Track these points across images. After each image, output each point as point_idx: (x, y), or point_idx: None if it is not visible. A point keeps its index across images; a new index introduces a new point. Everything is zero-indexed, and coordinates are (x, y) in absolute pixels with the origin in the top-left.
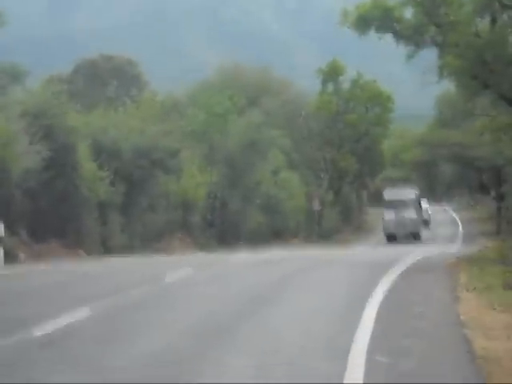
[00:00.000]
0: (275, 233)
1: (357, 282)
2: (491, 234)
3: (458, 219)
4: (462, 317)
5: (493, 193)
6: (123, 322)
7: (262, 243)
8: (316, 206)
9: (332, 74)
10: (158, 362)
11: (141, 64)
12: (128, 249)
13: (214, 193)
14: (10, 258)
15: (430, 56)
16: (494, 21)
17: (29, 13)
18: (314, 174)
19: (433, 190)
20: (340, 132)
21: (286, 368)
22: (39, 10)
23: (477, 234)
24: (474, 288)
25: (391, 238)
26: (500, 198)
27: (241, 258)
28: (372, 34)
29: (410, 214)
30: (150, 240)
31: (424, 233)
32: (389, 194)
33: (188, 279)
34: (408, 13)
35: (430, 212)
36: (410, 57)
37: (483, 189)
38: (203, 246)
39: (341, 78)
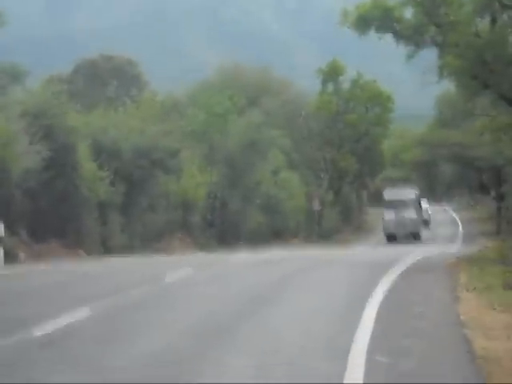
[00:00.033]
0: (275, 233)
1: (357, 281)
2: (491, 234)
3: (457, 219)
4: (462, 317)
5: (493, 193)
6: (123, 322)
7: (262, 243)
8: (316, 205)
9: (332, 73)
10: (157, 361)
11: (141, 64)
12: (128, 249)
13: (214, 193)
14: (9, 257)
15: (430, 56)
16: (494, 21)
17: (28, 13)
18: (314, 174)
19: (433, 190)
20: (340, 132)
21: (286, 368)
22: (39, 9)
23: (477, 234)
24: (474, 288)
25: (391, 238)
26: (500, 198)
27: (241, 258)
28: (372, 34)
29: (410, 214)
30: (149, 240)
31: (424, 233)
32: (389, 193)
33: (188, 279)
34: (408, 13)
35: (429, 212)
36: (409, 57)
37: (483, 189)
38: (203, 246)
39: (341, 78)
